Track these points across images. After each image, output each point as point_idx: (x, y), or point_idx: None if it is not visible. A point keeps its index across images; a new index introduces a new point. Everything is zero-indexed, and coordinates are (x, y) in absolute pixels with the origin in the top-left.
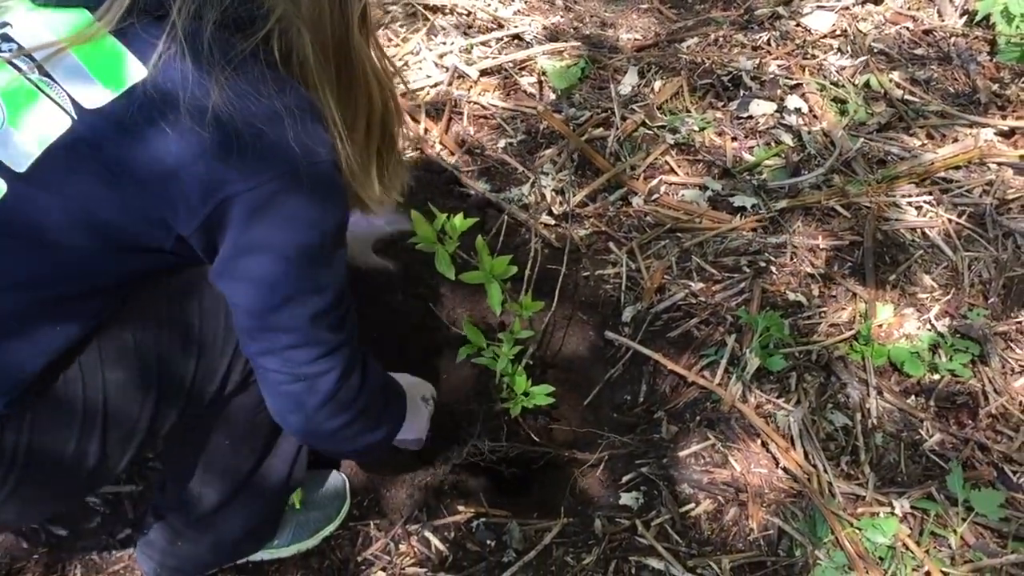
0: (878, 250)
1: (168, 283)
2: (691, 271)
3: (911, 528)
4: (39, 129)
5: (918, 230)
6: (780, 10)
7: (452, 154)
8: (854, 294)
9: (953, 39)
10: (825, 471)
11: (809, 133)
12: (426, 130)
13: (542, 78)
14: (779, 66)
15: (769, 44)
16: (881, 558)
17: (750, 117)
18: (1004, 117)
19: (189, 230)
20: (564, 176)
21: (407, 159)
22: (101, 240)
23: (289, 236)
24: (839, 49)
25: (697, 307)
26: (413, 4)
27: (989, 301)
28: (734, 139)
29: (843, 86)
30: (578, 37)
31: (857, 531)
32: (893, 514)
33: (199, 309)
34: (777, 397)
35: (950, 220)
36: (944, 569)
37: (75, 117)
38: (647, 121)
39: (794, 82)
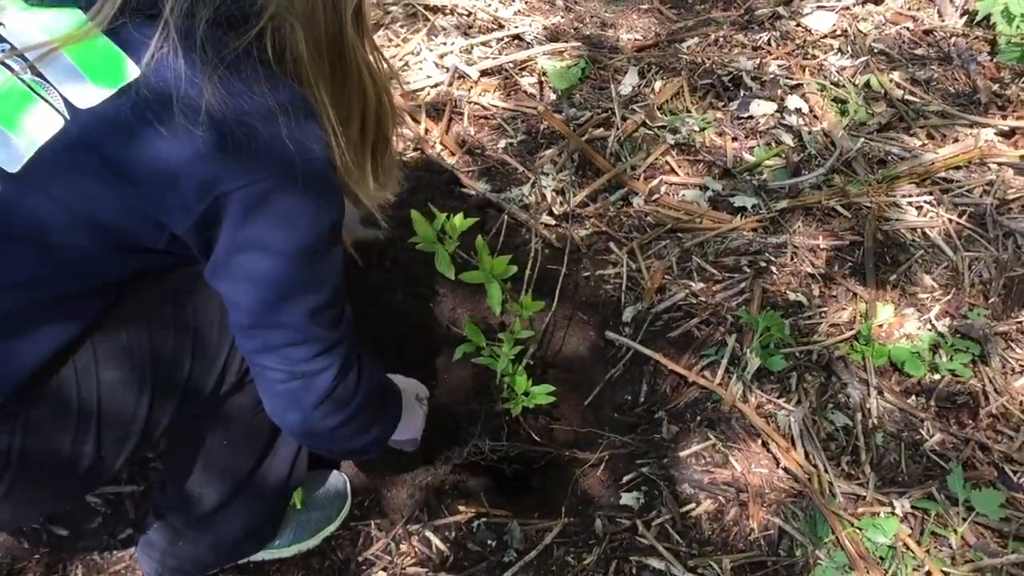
0: (878, 250)
1: (163, 282)
2: (692, 271)
3: (912, 528)
4: (32, 130)
5: (918, 230)
6: (780, 10)
7: (452, 154)
8: (855, 294)
9: (953, 39)
10: (826, 471)
11: (809, 133)
12: (426, 130)
13: (542, 78)
14: (779, 66)
15: (769, 44)
16: (882, 558)
17: (750, 117)
18: (1004, 117)
19: (184, 228)
20: (564, 176)
21: (407, 159)
22: (98, 240)
23: (284, 233)
24: (839, 49)
25: (698, 307)
26: (413, 4)
27: (989, 301)
28: (734, 139)
29: (843, 86)
30: (578, 37)
31: (858, 531)
32: (894, 514)
33: (194, 308)
34: (778, 397)
35: (950, 220)
36: (945, 569)
37: (68, 117)
38: (647, 121)
39: (794, 82)
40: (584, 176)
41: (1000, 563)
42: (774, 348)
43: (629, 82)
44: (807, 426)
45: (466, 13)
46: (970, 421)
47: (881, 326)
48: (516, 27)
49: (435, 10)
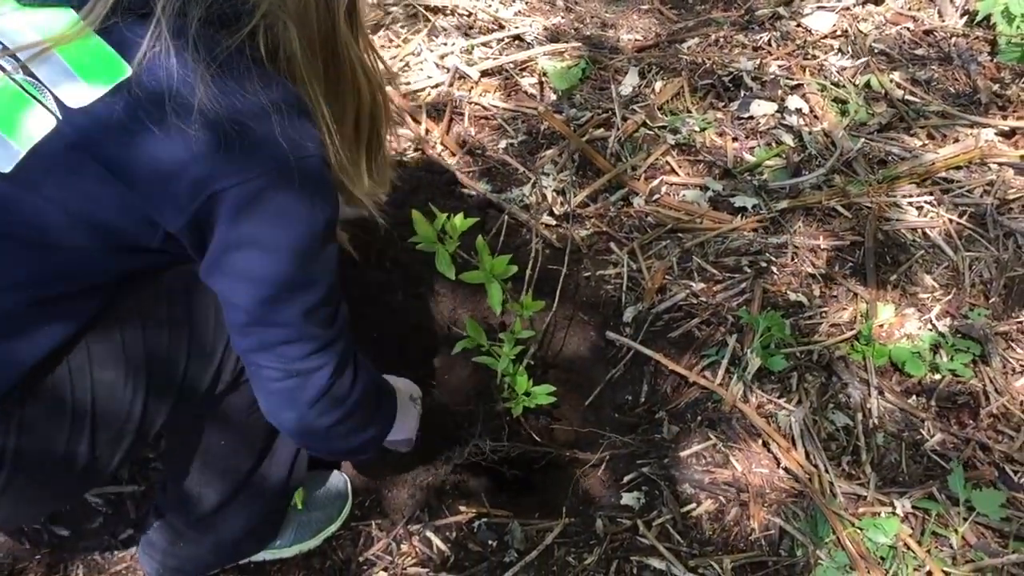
0: (879, 250)
1: (158, 282)
2: (692, 271)
3: (912, 528)
4: (25, 130)
5: (919, 230)
6: (781, 11)
7: (453, 155)
8: (855, 294)
9: (954, 39)
10: (826, 471)
11: (810, 133)
12: (427, 131)
13: (543, 79)
14: (780, 66)
15: (770, 45)
16: (882, 558)
17: (751, 117)
18: (1005, 117)
19: (177, 227)
20: (565, 176)
21: (408, 159)
22: (93, 239)
23: (278, 231)
24: (840, 49)
25: (698, 307)
26: (414, 5)
27: (990, 301)
28: (735, 139)
29: (844, 86)
30: (579, 38)
31: (858, 531)
32: (894, 514)
33: (189, 308)
34: (778, 397)
35: (951, 220)
36: (945, 569)
37: (60, 117)
38: (648, 121)
39: (795, 82)
40: (585, 176)
41: (1001, 563)
42: (775, 348)
43: (629, 82)
44: (808, 426)
45: (467, 14)
46: (971, 421)
47: (882, 326)
48: (516, 27)
49: (436, 11)
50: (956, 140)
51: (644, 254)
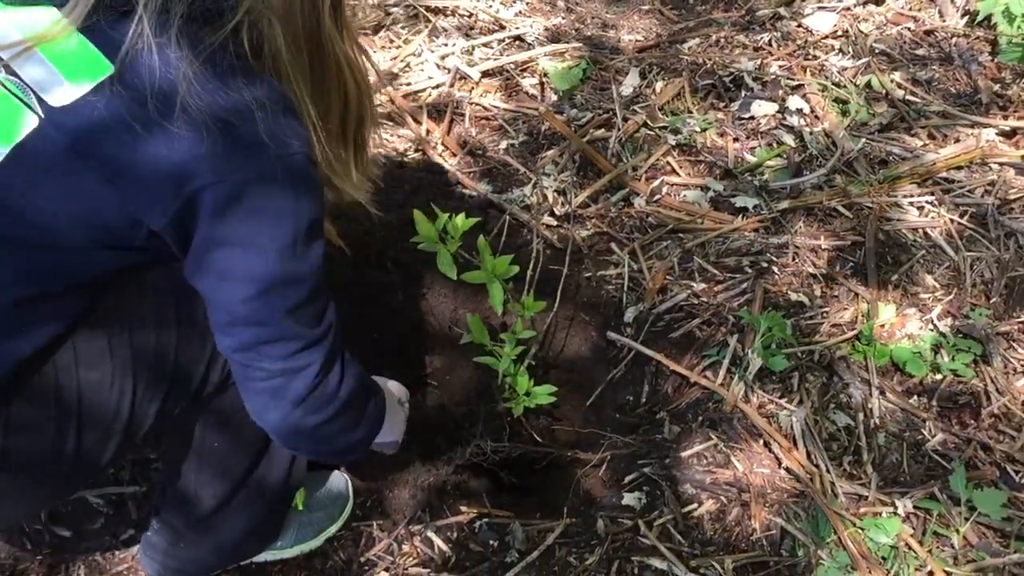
0: (880, 250)
1: (144, 281)
2: (693, 272)
3: (914, 528)
4: (6, 129)
5: (920, 230)
6: (781, 11)
7: (454, 155)
8: (856, 294)
9: (954, 39)
10: (828, 471)
11: (811, 134)
12: (428, 131)
13: (544, 79)
14: (780, 67)
15: (770, 45)
16: (884, 558)
17: (752, 118)
18: (1006, 117)
19: (160, 225)
20: (566, 177)
21: (409, 160)
22: (77, 237)
23: (261, 229)
24: (840, 50)
25: (699, 307)
26: (415, 6)
27: (991, 301)
28: (736, 140)
29: (845, 87)
30: (579, 38)
31: (860, 531)
32: (896, 514)
33: (176, 307)
34: (779, 397)
35: (952, 220)
36: (947, 569)
37: (42, 116)
38: (649, 122)
39: (796, 83)
40: (585, 177)
41: (1002, 563)
42: (776, 348)
43: (630, 83)
44: (809, 426)
45: (467, 14)
46: (972, 421)
47: (883, 326)
48: (517, 28)
49: (436, 11)
50: (957, 140)
51: (645, 254)
